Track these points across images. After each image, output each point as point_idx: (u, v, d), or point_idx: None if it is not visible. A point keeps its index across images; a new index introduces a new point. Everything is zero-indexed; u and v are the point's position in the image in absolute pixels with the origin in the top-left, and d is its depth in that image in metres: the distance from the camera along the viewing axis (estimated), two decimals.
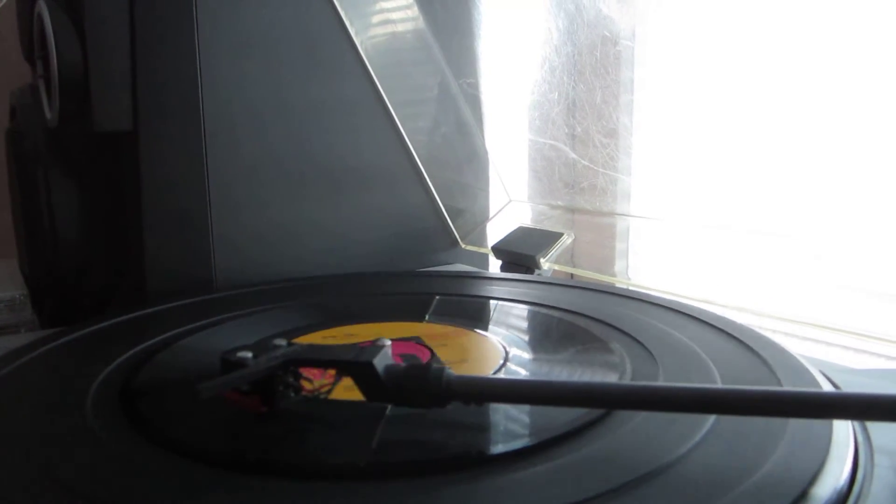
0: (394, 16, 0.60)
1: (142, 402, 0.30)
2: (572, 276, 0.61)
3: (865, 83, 0.47)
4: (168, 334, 0.38)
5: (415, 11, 0.61)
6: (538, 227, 0.62)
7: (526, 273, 0.55)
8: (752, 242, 0.55)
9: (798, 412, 0.25)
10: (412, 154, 0.59)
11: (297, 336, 0.38)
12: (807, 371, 0.32)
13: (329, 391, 0.27)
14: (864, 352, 0.49)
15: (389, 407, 0.28)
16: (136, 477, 0.24)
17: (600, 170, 0.61)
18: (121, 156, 0.50)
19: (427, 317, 0.42)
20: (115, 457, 0.26)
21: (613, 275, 0.63)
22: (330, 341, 0.38)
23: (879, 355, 0.48)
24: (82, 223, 0.50)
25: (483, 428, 0.28)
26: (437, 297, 0.46)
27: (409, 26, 0.61)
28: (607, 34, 0.59)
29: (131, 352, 0.36)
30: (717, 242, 0.57)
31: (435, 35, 0.61)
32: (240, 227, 0.51)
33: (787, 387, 0.30)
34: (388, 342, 0.29)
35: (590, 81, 0.61)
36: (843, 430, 0.26)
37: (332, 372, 0.27)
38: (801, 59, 0.49)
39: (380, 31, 0.59)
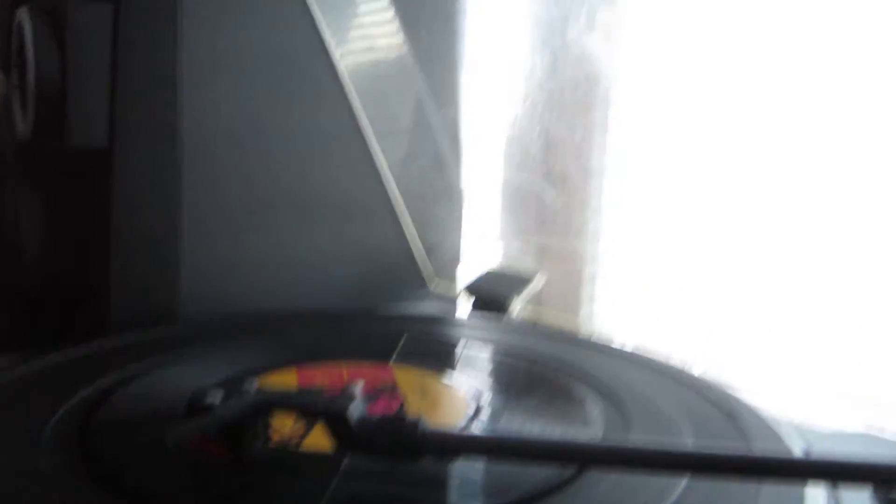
0: (378, 43, 0.60)
1: (99, 446, 0.28)
2: (538, 316, 0.61)
3: (852, 129, 0.48)
4: (129, 369, 0.37)
5: (400, 39, 0.61)
6: (510, 266, 0.61)
7: (497, 315, 0.55)
8: (723, 296, 0.56)
9: (772, 475, 0.25)
10: (388, 187, 0.59)
11: (262, 374, 0.37)
12: (774, 431, 0.32)
13: (300, 441, 0.26)
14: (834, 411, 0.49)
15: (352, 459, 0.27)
16: None
17: (575, 210, 0.61)
18: (93, 174, 0.49)
19: (393, 359, 0.41)
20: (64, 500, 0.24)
21: (578, 316, 0.64)
22: (295, 381, 0.37)
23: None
24: (47, 242, 0.49)
25: (454, 486, 0.27)
26: (406, 339, 0.45)
27: (393, 53, 0.61)
28: (590, 72, 0.59)
29: (90, 388, 0.34)
30: (686, 295, 0.58)
31: (419, 64, 0.61)
32: (210, 256, 0.50)
33: (760, 450, 0.30)
34: (359, 388, 0.28)
35: (570, 119, 0.62)
36: (816, 497, 0.26)
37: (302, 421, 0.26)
38: (778, 106, 0.50)
39: (364, 58, 0.58)
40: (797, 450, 0.31)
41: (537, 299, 0.60)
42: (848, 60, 0.46)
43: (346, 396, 0.26)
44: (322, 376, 0.38)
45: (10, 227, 0.48)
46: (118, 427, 0.31)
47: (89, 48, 0.45)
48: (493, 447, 0.26)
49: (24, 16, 0.46)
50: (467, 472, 0.27)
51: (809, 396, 0.49)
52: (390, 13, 0.60)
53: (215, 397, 0.26)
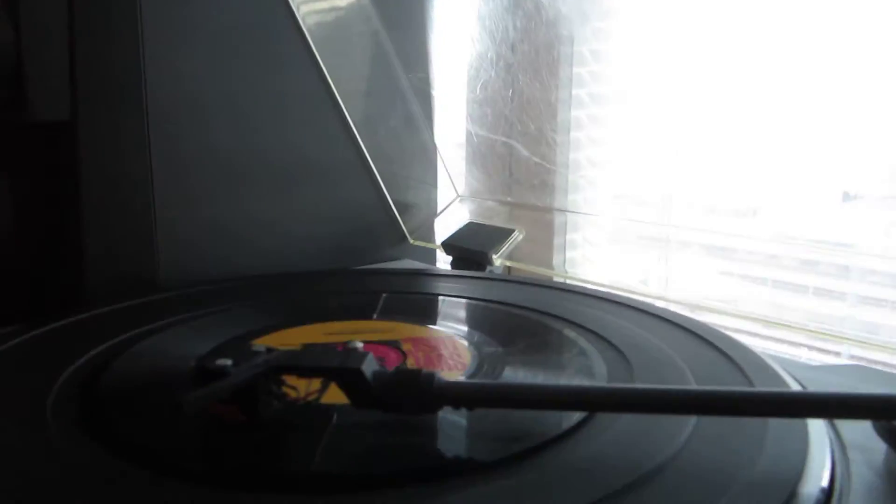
0: (343, 4, 0.59)
1: (107, 414, 0.28)
2: (510, 270, 0.61)
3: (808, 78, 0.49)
4: (119, 338, 0.36)
5: (366, 1, 0.59)
6: (488, 223, 0.61)
7: (477, 269, 0.55)
8: (679, 236, 0.57)
9: (780, 412, 0.25)
10: (360, 148, 0.58)
11: (254, 338, 0.37)
12: (770, 368, 0.33)
13: (317, 399, 0.26)
14: (781, 340, 0.51)
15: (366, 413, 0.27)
16: (106, 495, 0.23)
17: (547, 165, 0.62)
18: (57, 147, 0.47)
19: (386, 315, 0.41)
20: (78, 473, 0.24)
21: (552, 268, 0.64)
22: (294, 343, 0.36)
23: (794, 343, 0.51)
24: (13, 218, 0.47)
25: (468, 434, 0.27)
26: (385, 295, 0.45)
27: (359, 16, 0.60)
28: (565, 33, 0.59)
29: (85, 358, 0.34)
30: (649, 236, 0.59)
31: (386, 27, 0.60)
32: (184, 223, 0.49)
33: (761, 387, 0.30)
34: (360, 345, 0.28)
35: (544, 80, 0.61)
36: (818, 429, 0.27)
37: (317, 379, 0.26)
38: (749, 60, 0.51)
39: (329, 20, 0.57)
40: (794, 385, 0.32)
41: (511, 255, 0.60)
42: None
43: (358, 353, 0.26)
44: (317, 335, 0.37)
45: None
46: (122, 392, 0.30)
47: (45, 16, 0.43)
48: (505, 396, 0.26)
49: None
50: (474, 421, 0.27)
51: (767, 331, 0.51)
52: None
53: (225, 362, 0.25)
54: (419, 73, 0.62)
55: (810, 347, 0.50)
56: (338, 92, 0.56)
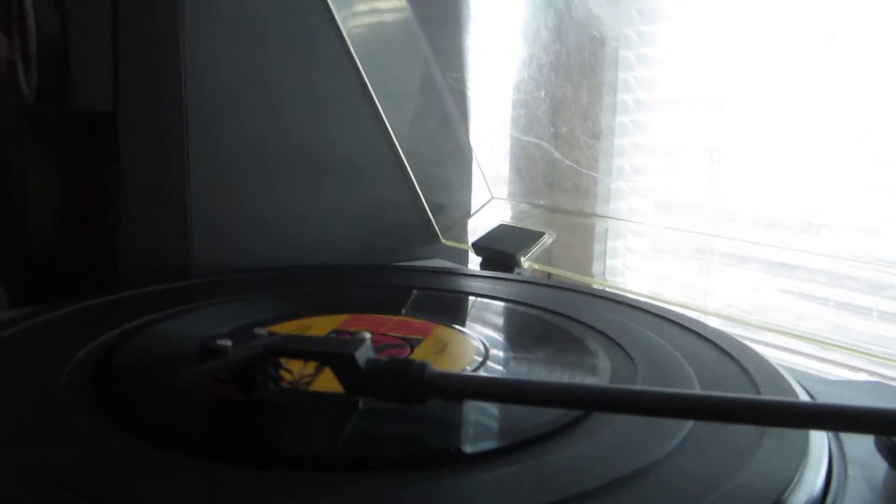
0: (382, 5, 0.60)
1: (115, 387, 0.29)
2: (550, 275, 0.61)
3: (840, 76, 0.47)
4: (142, 319, 0.38)
5: (403, 2, 0.60)
6: (519, 225, 0.61)
7: (506, 271, 0.55)
8: (731, 249, 0.55)
9: (776, 421, 0.25)
10: (395, 146, 0.59)
11: (273, 326, 0.38)
12: (783, 379, 0.32)
13: (309, 383, 0.26)
14: (840, 364, 0.49)
15: (364, 400, 0.27)
16: (106, 463, 0.24)
17: (584, 171, 0.61)
18: (99, 134, 0.49)
19: (404, 311, 0.42)
20: (85, 443, 0.25)
21: (591, 275, 0.64)
22: (305, 331, 0.37)
23: (853, 367, 0.49)
24: (56, 202, 0.49)
25: (460, 426, 0.27)
26: (416, 292, 0.45)
27: (397, 17, 0.61)
28: (596, 34, 0.59)
29: (104, 336, 0.35)
30: (696, 247, 0.58)
31: (423, 27, 0.61)
32: (218, 213, 0.50)
33: (766, 395, 0.30)
34: (368, 335, 0.29)
35: (577, 82, 0.61)
36: (819, 441, 0.26)
37: (311, 363, 0.26)
38: (787, 65, 0.50)
39: (368, 20, 0.58)
40: (803, 397, 0.31)
41: (548, 259, 0.60)
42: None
43: (354, 340, 0.26)
44: (331, 326, 0.38)
45: (18, 189, 0.49)
46: (133, 371, 0.31)
47: (90, 10, 0.45)
48: (496, 390, 0.26)
49: None
50: (476, 413, 0.28)
51: (812, 349, 0.49)
52: None
53: (226, 342, 0.26)
54: (455, 73, 0.63)
55: (870, 373, 0.49)
56: (374, 91, 0.57)
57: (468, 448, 0.25)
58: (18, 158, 0.49)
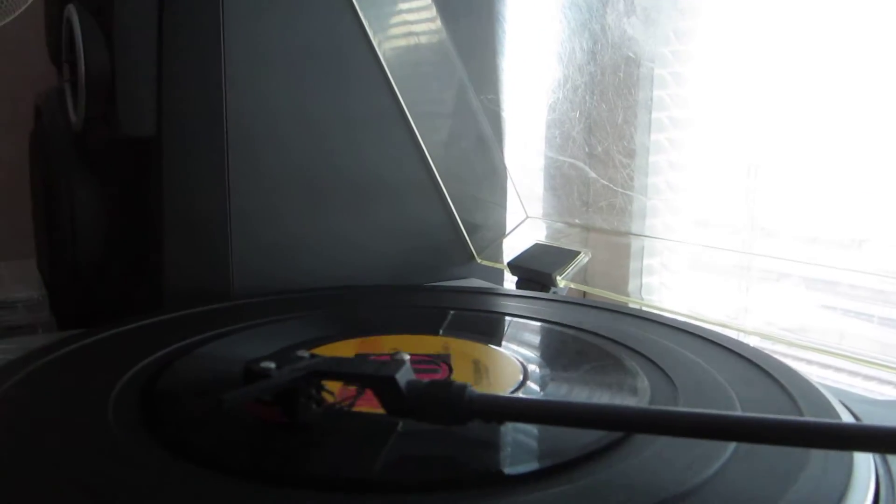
0: (417, 28, 0.61)
1: (162, 409, 0.30)
2: (585, 294, 0.61)
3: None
4: (186, 341, 0.39)
5: (438, 25, 0.61)
6: (554, 244, 0.62)
7: (541, 290, 0.55)
8: (767, 268, 0.55)
9: (821, 444, 0.24)
10: (431, 167, 0.59)
11: (315, 347, 0.38)
12: (826, 400, 0.32)
13: (351, 404, 0.27)
14: (884, 381, 0.48)
15: (405, 422, 0.28)
16: (154, 484, 0.24)
17: (619, 189, 0.61)
18: (144, 161, 0.50)
19: (441, 331, 0.42)
20: (133, 463, 0.26)
21: (627, 294, 0.63)
22: (347, 353, 0.38)
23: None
24: (103, 226, 0.51)
25: (500, 447, 0.28)
26: (452, 312, 0.46)
27: (432, 39, 0.61)
28: (631, 55, 0.59)
29: (151, 357, 0.36)
30: (734, 265, 0.57)
31: (458, 49, 0.61)
32: (258, 236, 0.51)
33: (809, 416, 0.30)
34: (407, 356, 0.29)
35: (611, 101, 0.61)
36: (865, 463, 0.26)
37: (353, 386, 0.27)
38: (822, 83, 0.49)
39: (403, 42, 0.59)
40: (847, 418, 0.31)
41: (584, 278, 0.60)
42: None
43: (395, 362, 0.27)
44: (371, 347, 0.39)
45: (66, 215, 0.50)
46: (179, 392, 0.32)
47: (136, 41, 0.46)
48: (536, 412, 0.26)
49: (72, 11, 0.47)
50: (516, 434, 0.28)
51: (854, 367, 0.48)
52: (428, 0, 0.60)
53: (269, 365, 0.27)
54: (490, 94, 0.63)
55: None
56: (410, 113, 0.58)
57: (509, 470, 0.25)
58: (67, 184, 0.50)
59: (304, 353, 0.28)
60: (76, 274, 0.50)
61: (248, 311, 0.45)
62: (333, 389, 0.27)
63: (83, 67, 0.46)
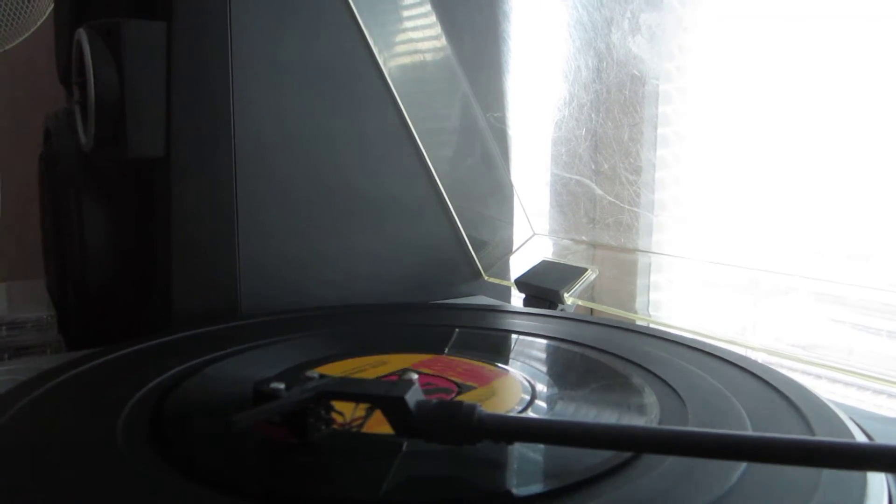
0: (422, 46, 0.61)
1: (171, 430, 0.30)
2: (592, 311, 0.61)
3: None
4: (195, 361, 0.39)
5: (443, 42, 0.61)
6: (561, 261, 0.62)
7: (549, 307, 0.55)
8: (774, 283, 0.55)
9: (834, 463, 0.24)
10: (437, 185, 0.59)
11: (322, 366, 0.38)
12: (838, 418, 0.31)
13: (361, 425, 0.27)
14: (893, 396, 0.48)
15: (413, 442, 0.28)
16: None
17: (625, 206, 0.61)
18: (152, 181, 0.51)
19: (447, 349, 0.42)
20: (142, 484, 0.26)
21: (635, 311, 0.63)
22: (354, 372, 0.38)
23: None
24: (112, 246, 0.51)
25: (509, 468, 0.28)
26: (459, 330, 0.46)
27: (437, 57, 0.62)
28: (636, 73, 0.59)
29: (160, 378, 0.36)
30: (742, 281, 0.57)
31: (463, 67, 0.62)
32: (266, 256, 0.52)
33: (820, 435, 0.29)
34: (416, 376, 0.29)
35: (617, 119, 0.62)
36: (878, 484, 0.26)
37: (362, 405, 0.27)
38: (828, 100, 0.49)
39: (409, 60, 0.59)
40: (859, 437, 0.31)
41: (591, 295, 0.60)
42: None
43: (403, 382, 0.27)
44: (379, 366, 0.39)
45: (74, 235, 0.50)
46: (188, 412, 0.32)
47: (144, 64, 0.47)
48: (546, 432, 0.26)
49: (82, 34, 0.48)
50: (525, 454, 0.28)
51: (866, 383, 0.48)
52: (433, 19, 0.61)
53: (278, 385, 0.27)
54: (496, 112, 0.63)
55: None
56: (416, 131, 0.58)
57: (518, 490, 0.25)
58: (76, 205, 0.51)
59: (314, 374, 0.28)
60: (85, 294, 0.51)
61: (256, 331, 0.45)
62: (343, 410, 0.27)
63: (93, 89, 0.46)
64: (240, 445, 0.28)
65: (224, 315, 0.49)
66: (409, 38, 0.60)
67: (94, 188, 0.51)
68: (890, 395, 0.49)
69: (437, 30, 0.61)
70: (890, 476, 0.27)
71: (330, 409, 0.27)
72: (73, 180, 0.51)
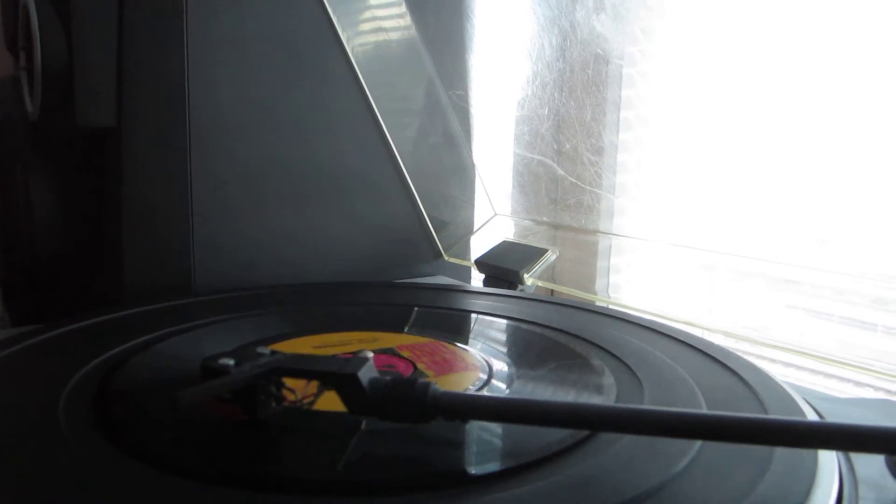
0: (386, 24, 0.60)
1: (115, 408, 0.29)
2: (552, 292, 0.61)
3: (863, 93, 0.47)
4: (144, 338, 0.37)
5: (407, 21, 0.60)
6: (522, 242, 0.61)
7: (509, 288, 0.55)
8: (734, 265, 0.55)
9: (785, 441, 0.24)
10: (399, 164, 0.59)
11: (276, 344, 0.38)
12: (791, 398, 0.32)
13: (312, 402, 0.26)
14: (845, 380, 0.49)
15: (368, 421, 0.27)
16: (106, 487, 0.24)
17: (587, 188, 0.61)
18: (103, 153, 0.49)
19: (407, 328, 0.41)
20: (84, 464, 0.25)
21: (594, 292, 0.63)
22: (309, 350, 0.37)
23: (858, 383, 0.49)
24: (60, 220, 0.49)
25: (464, 446, 0.27)
26: (417, 309, 0.45)
27: (401, 35, 0.61)
28: (600, 52, 0.59)
29: (106, 355, 0.35)
30: (700, 264, 0.58)
31: (426, 45, 0.61)
32: (221, 232, 0.50)
33: (773, 414, 0.30)
34: (371, 354, 0.29)
35: (580, 99, 0.61)
36: (829, 461, 0.26)
37: (314, 383, 0.26)
38: (789, 80, 0.50)
39: (371, 38, 0.58)
40: (811, 416, 0.31)
41: (551, 276, 0.60)
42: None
43: (357, 360, 0.26)
44: (335, 344, 0.38)
45: (21, 206, 0.49)
46: (134, 391, 0.31)
47: (94, 28, 0.45)
48: (500, 410, 0.26)
49: None
50: (480, 433, 0.27)
51: (818, 366, 0.49)
52: None
53: (228, 362, 0.26)
54: (458, 90, 0.63)
55: (876, 388, 0.48)
56: (378, 108, 0.57)
57: (473, 470, 0.25)
58: (22, 176, 0.49)
59: (265, 350, 0.27)
60: (32, 268, 0.49)
61: (209, 308, 0.44)
62: (295, 387, 0.27)
63: (39, 55, 0.44)
64: (187, 423, 0.27)
65: (177, 292, 0.48)
66: (373, 16, 0.59)
67: (41, 159, 0.49)
68: (840, 379, 0.50)
69: (402, 7, 0.60)
70: (840, 454, 0.27)
71: (281, 385, 0.27)
72: (19, 150, 0.49)
